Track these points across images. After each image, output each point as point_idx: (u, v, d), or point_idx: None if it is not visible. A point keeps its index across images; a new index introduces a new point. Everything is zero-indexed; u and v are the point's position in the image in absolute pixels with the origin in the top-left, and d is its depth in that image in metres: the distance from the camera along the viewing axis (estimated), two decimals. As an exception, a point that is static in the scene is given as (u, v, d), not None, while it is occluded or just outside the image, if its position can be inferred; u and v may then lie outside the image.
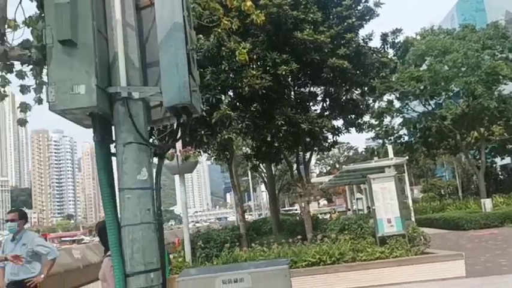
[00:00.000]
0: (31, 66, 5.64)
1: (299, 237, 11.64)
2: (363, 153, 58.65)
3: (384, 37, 15.23)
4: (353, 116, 14.59)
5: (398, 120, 31.18)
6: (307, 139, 13.23)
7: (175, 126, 2.96)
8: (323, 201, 75.09)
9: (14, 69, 6.11)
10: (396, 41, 15.73)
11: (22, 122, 7.38)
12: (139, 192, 2.56)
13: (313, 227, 13.12)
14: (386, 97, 27.28)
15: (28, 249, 6.04)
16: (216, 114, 11.24)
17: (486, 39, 24.85)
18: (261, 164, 20.72)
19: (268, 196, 25.22)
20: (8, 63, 5.76)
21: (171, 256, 11.06)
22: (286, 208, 62.94)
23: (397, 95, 26.72)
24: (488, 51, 24.53)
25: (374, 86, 14.82)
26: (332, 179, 35.14)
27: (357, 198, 36.25)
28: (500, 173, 40.88)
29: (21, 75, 6.17)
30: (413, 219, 21.62)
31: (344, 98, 14.04)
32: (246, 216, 24.81)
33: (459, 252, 10.50)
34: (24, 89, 6.42)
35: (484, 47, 24.44)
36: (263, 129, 12.46)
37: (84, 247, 15.86)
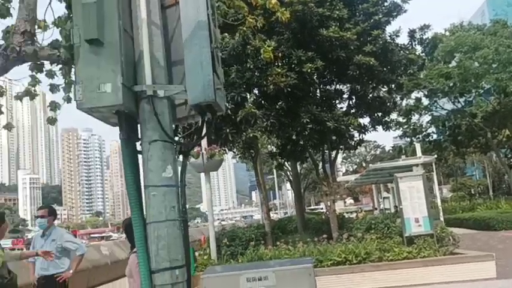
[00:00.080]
0: (60, 66, 5.76)
1: (324, 236, 11.56)
2: (390, 151, 57.84)
3: (411, 33, 14.98)
4: (380, 114, 14.41)
5: (426, 118, 30.64)
6: (333, 137, 13.12)
7: (200, 124, 2.98)
8: (349, 200, 74.44)
9: (44, 69, 6.26)
10: (424, 37, 15.48)
11: (52, 121, 7.56)
12: (164, 190, 2.58)
13: (339, 226, 13.01)
14: (414, 94, 26.81)
15: (57, 245, 6.18)
16: (241, 113, 11.26)
17: (518, 35, 24.17)
18: (286, 163, 20.68)
19: (293, 195, 25.16)
20: (39, 63, 5.90)
21: (196, 253, 11.15)
22: (312, 207, 62.62)
23: (426, 93, 26.22)
24: (521, 46, 23.85)
25: (401, 83, 14.60)
26: (358, 178, 34.78)
27: (383, 197, 35.77)
28: (533, 172, 39.70)
29: (50, 74, 6.32)
30: (442, 219, 21.21)
31: (371, 95, 13.88)
32: (271, 215, 24.82)
33: (489, 253, 10.24)
34: (53, 88, 6.56)
35: (516, 42, 23.78)
36: (288, 128, 12.42)
37: (112, 244, 16.14)
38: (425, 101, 28.46)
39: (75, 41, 2.47)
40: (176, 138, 2.94)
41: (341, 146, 14.55)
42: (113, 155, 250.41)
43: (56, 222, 6.62)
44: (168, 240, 2.55)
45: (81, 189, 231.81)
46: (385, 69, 13.13)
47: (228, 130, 11.97)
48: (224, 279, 3.86)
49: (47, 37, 5.82)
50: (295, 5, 11.34)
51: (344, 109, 13.68)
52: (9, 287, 5.14)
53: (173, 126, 2.83)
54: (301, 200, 21.44)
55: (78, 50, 2.48)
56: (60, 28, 5.23)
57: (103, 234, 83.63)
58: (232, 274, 3.84)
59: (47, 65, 6.15)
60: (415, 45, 15.14)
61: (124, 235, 4.68)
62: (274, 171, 36.50)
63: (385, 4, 13.22)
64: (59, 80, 6.46)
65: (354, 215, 26.80)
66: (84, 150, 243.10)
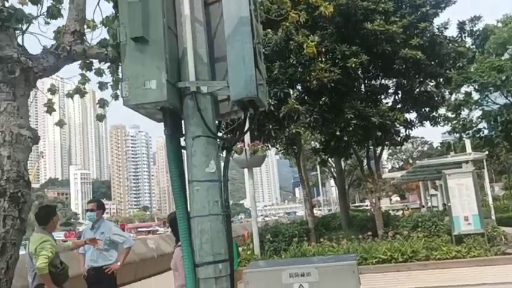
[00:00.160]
0: (108, 64, 5.94)
1: (369, 233, 11.40)
2: (438, 148, 56.15)
3: (461, 25, 14.46)
4: (427, 109, 14.00)
5: (477, 113, 29.42)
6: (378, 133, 12.89)
7: (242, 120, 2.99)
8: (395, 198, 72.88)
9: (93, 67, 6.48)
10: (475, 29, 14.90)
11: (101, 118, 7.81)
12: (207, 185, 2.61)
13: (384, 224, 12.78)
14: (463, 89, 25.81)
15: (106, 238, 6.39)
16: (284, 109, 11.25)
17: None
18: (329, 159, 20.47)
19: (337, 191, 24.88)
20: (88, 61, 6.11)
21: (240, 249, 11.25)
22: (357, 204, 61.78)
23: (476, 87, 25.20)
24: None
25: (450, 77, 14.12)
26: (405, 175, 33.98)
27: (431, 195, 34.81)
28: None
29: (99, 72, 6.52)
30: (493, 217, 20.39)
31: (417, 90, 13.51)
32: (315, 212, 24.67)
33: (545, 254, 9.77)
34: (102, 86, 6.78)
35: None
36: (332, 123, 12.29)
37: (158, 238, 16.54)
38: (475, 96, 27.35)
39: (121, 39, 2.53)
40: (219, 134, 2.96)
41: (386, 142, 14.27)
42: (159, 151, 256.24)
43: (105, 216, 6.84)
44: (212, 234, 2.57)
45: (129, 184, 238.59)
46: (432, 62, 12.74)
47: (270, 126, 11.98)
48: (267, 274, 3.86)
49: (95, 36, 6.02)
50: (338, -1, 11.19)
51: (389, 104, 13.39)
52: (61, 276, 5.37)
53: (216, 122, 2.86)
54: (346, 197, 21.18)
55: (125, 48, 2.54)
56: (107, 27, 5.39)
57: (150, 229, 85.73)
58: (275, 269, 3.84)
59: (96, 64, 6.36)
60: (464, 37, 14.63)
61: (169, 229, 4.78)
62: (318, 167, 36.24)
63: (433, -4, 12.83)
64: (107, 77, 6.67)
65: (400, 212, 26.23)
66: (132, 147, 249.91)
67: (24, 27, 5.02)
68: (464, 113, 28.64)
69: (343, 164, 22.09)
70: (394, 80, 13.56)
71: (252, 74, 2.57)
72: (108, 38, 5.16)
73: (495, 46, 23.69)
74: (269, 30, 11.41)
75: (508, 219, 23.00)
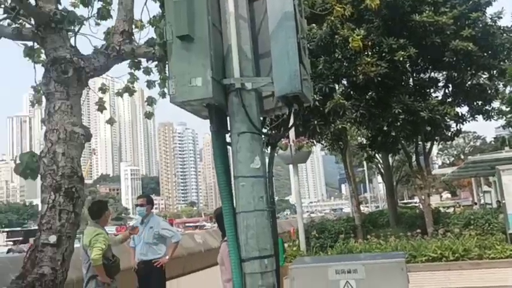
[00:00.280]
0: (155, 63, 6.09)
1: (418, 231, 11.12)
2: (492, 143, 53.81)
3: (516, 14, 13.74)
4: (480, 103, 13.44)
5: (534, 106, 28.00)
6: (427, 128, 12.51)
7: (287, 116, 2.99)
8: (446, 194, 70.58)
9: (141, 66, 6.66)
10: (532, 17, 14.11)
11: (149, 115, 8.02)
12: (252, 180, 2.63)
13: (434, 221, 12.42)
14: (519, 81, 24.63)
15: (154, 232, 6.57)
16: (329, 104, 11.12)
17: None
18: (377, 155, 20.09)
19: (385, 188, 24.39)
20: (136, 60, 6.28)
21: (285, 245, 11.26)
22: (405, 201, 60.28)
23: (533, 78, 23.97)
24: None
25: (504, 69, 13.48)
26: (456, 171, 32.82)
27: (484, 192, 33.49)
28: None
29: (147, 71, 6.70)
30: (552, 215, 19.37)
31: (469, 83, 12.98)
32: (362, 208, 24.26)
33: None
34: (150, 84, 6.97)
35: None
36: (379, 118, 12.04)
37: (205, 233, 16.79)
38: (532, 88, 26.04)
39: (167, 37, 2.59)
40: (264, 130, 2.97)
41: (436, 137, 13.83)
42: (205, 148, 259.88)
43: (154, 211, 7.03)
44: (257, 229, 2.59)
45: (177, 180, 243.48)
46: (485, 54, 12.22)
47: (316, 122, 11.89)
48: (312, 270, 3.85)
49: (143, 36, 6.18)
50: (385, -9, 10.93)
51: (439, 98, 12.95)
52: (113, 268, 5.58)
53: (261, 118, 2.87)
54: (393, 194, 20.72)
55: (171, 46, 2.59)
56: (155, 26, 5.53)
57: (197, 224, 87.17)
58: (321, 266, 3.82)
59: (144, 62, 6.53)
60: (520, 27, 13.87)
61: (216, 225, 4.85)
62: (365, 163, 35.64)
63: (486, -16, 12.29)
64: (155, 76, 6.85)
65: (451, 209, 25.40)
66: (179, 143, 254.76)
67: (76, 28, 5.22)
68: (520, 106, 27.32)
69: (390, 160, 21.59)
70: (444, 72, 13.10)
71: (297, 69, 2.56)
72: (155, 37, 5.29)
73: (554, 35, 22.44)
74: (314, 25, 11.30)
75: None
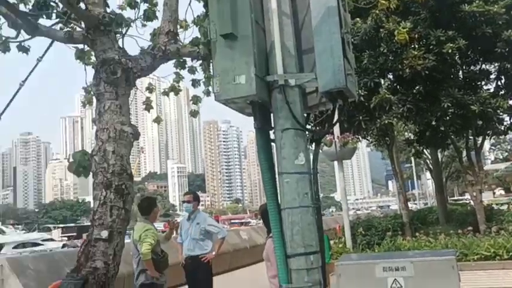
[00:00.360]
0: (200, 62, 6.19)
1: (470, 228, 10.75)
2: (550, 136, 51.13)
3: None
4: (535, 95, 12.80)
5: None
6: (479, 122, 12.04)
7: (331, 112, 2.97)
8: (499, 191, 67.73)
9: (186, 66, 6.78)
10: None
11: (194, 114, 8.16)
12: (297, 177, 2.62)
13: (486, 218, 11.96)
14: None
15: (201, 228, 6.68)
16: (375, 99, 10.91)
17: None
18: (425, 150, 19.53)
19: (434, 184, 23.69)
20: (181, 60, 6.41)
21: (331, 242, 11.17)
22: (455, 197, 58.34)
23: None
24: None
25: None
26: (510, 166, 31.51)
27: (542, 188, 31.91)
28: None
29: (192, 70, 6.82)
30: None
31: (523, 74, 12.39)
32: (410, 205, 23.71)
33: None
34: (195, 83, 7.08)
35: None
36: (427, 113, 11.70)
37: (250, 229, 16.94)
38: None
39: (211, 36, 2.62)
40: (308, 126, 2.96)
41: (488, 132, 13.28)
42: (249, 145, 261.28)
43: (200, 207, 7.15)
44: (302, 226, 2.59)
45: (222, 177, 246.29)
46: (541, 43, 11.61)
47: (361, 117, 11.69)
48: (359, 268, 3.80)
49: (187, 35, 6.29)
50: (432, -19, 10.60)
51: (491, 90, 12.43)
52: (162, 263, 5.73)
53: (305, 114, 2.86)
54: (443, 190, 20.10)
55: (215, 45, 2.62)
56: (199, 26, 5.61)
57: (242, 220, 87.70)
58: (368, 263, 3.77)
59: (189, 62, 6.65)
60: None
61: (261, 222, 4.88)
62: (412, 159, 34.77)
63: (542, -31, 11.66)
64: (200, 75, 6.95)
65: (505, 206, 24.36)
66: (224, 141, 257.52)
67: (124, 30, 5.38)
68: None
69: (439, 155, 20.93)
70: (495, 64, 12.55)
71: (341, 64, 2.54)
72: (199, 36, 5.37)
73: None
74: (358, 19, 11.11)
75: None
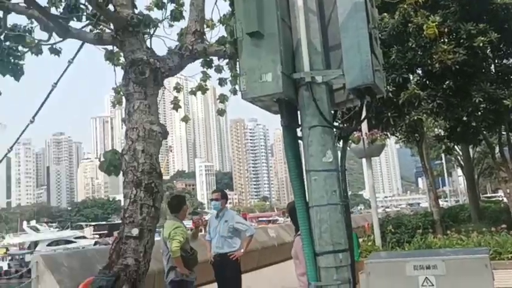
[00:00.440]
0: (227, 61, 6.22)
1: (504, 226, 10.48)
2: None
3: None
4: None
5: None
6: (512, 117, 11.73)
7: (359, 108, 2.94)
8: (535, 188, 65.62)
9: (213, 65, 6.83)
10: None
11: (221, 112, 8.21)
12: (325, 174, 2.61)
13: (521, 216, 11.64)
14: None
15: (229, 226, 6.72)
16: (404, 95, 10.75)
17: None
18: (456, 146, 19.14)
19: (465, 181, 23.17)
20: (208, 59, 6.45)
21: (360, 240, 11.07)
22: (488, 194, 56.92)
23: None
24: None
25: None
26: (545, 162, 30.46)
27: None
28: None
29: (219, 69, 6.86)
30: None
31: (559, 67, 11.99)
32: (441, 203, 23.25)
33: None
34: (221, 82, 7.13)
35: None
36: (457, 108, 11.45)
37: (278, 227, 16.93)
38: None
39: (238, 35, 2.63)
40: (335, 123, 2.94)
41: (522, 127, 12.93)
42: (276, 143, 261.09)
43: (228, 205, 7.19)
44: (331, 223, 2.57)
45: (249, 175, 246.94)
46: None
47: (389, 114, 11.53)
48: (389, 266, 3.75)
49: (214, 35, 6.34)
50: (462, -26, 10.36)
51: (526, 84, 12.08)
52: (191, 260, 5.79)
53: (332, 111, 2.84)
54: (475, 187, 19.66)
55: (241, 43, 2.63)
56: (225, 25, 5.65)
57: (270, 218, 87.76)
58: (398, 261, 3.72)
59: (215, 61, 6.70)
60: None
61: (289, 219, 4.88)
62: (443, 156, 34.07)
63: None
64: (226, 73, 6.99)
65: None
66: (251, 139, 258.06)
67: (151, 31, 5.46)
68: None
69: (471, 151, 20.48)
70: (530, 57, 12.20)
71: (368, 59, 2.51)
72: (226, 35, 5.40)
73: None
74: (385, 14, 10.95)
75: None
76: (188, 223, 6.64)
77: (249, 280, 8.10)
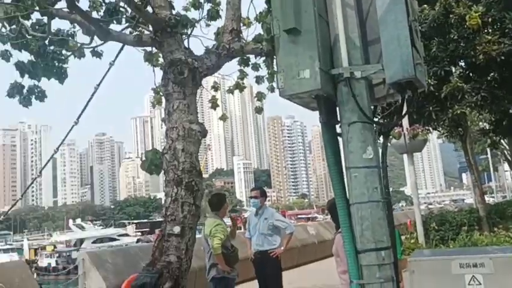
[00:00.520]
0: (263, 58, 6.22)
1: (556, 223, 10.04)
2: None
3: None
4: None
5: None
6: None
7: (399, 103, 2.88)
8: None
9: (249, 63, 6.85)
10: None
11: (259, 110, 8.23)
12: (365, 171, 2.57)
13: None
14: None
15: (269, 223, 6.73)
16: (446, 88, 10.45)
17: None
18: (502, 140, 18.48)
19: (513, 176, 22.32)
20: (245, 57, 6.48)
21: (402, 237, 10.87)
22: (539, 190, 54.61)
23: None
24: None
25: None
26: None
27: None
28: None
29: (255, 67, 6.88)
30: None
31: None
32: (487, 199, 22.51)
33: None
34: (259, 80, 7.14)
35: None
36: (503, 101, 11.04)
37: (318, 224, 16.84)
38: None
39: (275, 32, 2.62)
40: (375, 119, 2.89)
41: None
42: (314, 140, 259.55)
43: (266, 203, 7.20)
44: (372, 221, 2.54)
45: (287, 172, 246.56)
46: None
47: (431, 108, 11.24)
48: (434, 264, 3.66)
49: (250, 33, 6.34)
50: (506, -40, 9.95)
51: None
52: (232, 258, 5.84)
53: (372, 106, 2.80)
54: (523, 182, 18.91)
55: (278, 40, 2.62)
56: (261, 22, 5.65)
57: (309, 216, 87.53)
58: (443, 259, 3.62)
59: (252, 59, 6.71)
60: None
61: (328, 217, 4.84)
62: (488, 150, 32.93)
63: None
64: (263, 71, 7.00)
65: None
66: (288, 136, 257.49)
67: (189, 31, 5.53)
68: None
69: (518, 145, 19.72)
70: None
71: (409, 53, 2.45)
72: (262, 33, 5.40)
73: None
74: (425, 5, 10.67)
75: None
76: (227, 220, 6.70)
77: (289, 277, 8.10)
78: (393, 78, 2.51)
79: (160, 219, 5.87)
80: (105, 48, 6.05)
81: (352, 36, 2.70)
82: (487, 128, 14.99)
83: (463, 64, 11.81)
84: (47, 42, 5.65)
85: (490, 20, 10.26)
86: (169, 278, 4.47)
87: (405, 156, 11.57)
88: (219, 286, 5.85)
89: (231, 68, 6.84)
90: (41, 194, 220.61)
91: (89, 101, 5.90)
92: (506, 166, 40.21)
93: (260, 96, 7.63)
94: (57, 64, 5.82)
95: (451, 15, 10.35)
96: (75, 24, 5.59)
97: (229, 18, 5.46)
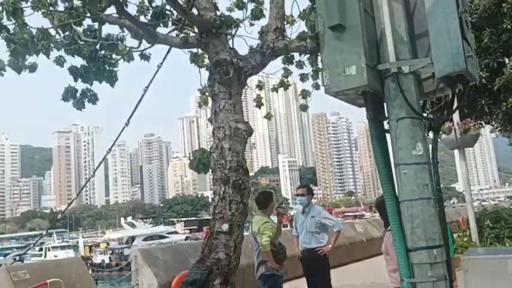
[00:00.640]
0: (308, 56, 6.20)
1: None
2: None
3: None
4: None
5: None
6: None
7: (450, 97, 2.80)
8: None
9: (294, 61, 6.84)
10: None
11: (304, 108, 8.20)
12: (415, 168, 2.53)
13: None
14: None
15: (316, 221, 6.70)
16: (499, 80, 10.03)
17: None
18: (562, 133, 17.52)
19: None
20: (289, 55, 6.48)
21: (454, 235, 10.54)
22: None
23: None
24: None
25: None
26: None
27: None
28: None
29: (300, 65, 6.85)
30: None
31: None
32: (545, 195, 21.37)
33: None
34: (303, 77, 7.11)
35: None
36: None
37: (366, 222, 16.58)
38: None
39: (319, 29, 2.62)
40: (424, 114, 2.83)
41: None
42: (360, 136, 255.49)
43: (313, 201, 7.18)
44: (423, 218, 2.49)
45: (333, 170, 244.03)
46: None
47: (483, 101, 10.83)
48: (489, 262, 3.54)
49: (294, 30, 6.33)
50: None
51: None
52: (280, 255, 5.87)
53: (420, 101, 2.74)
54: None
55: (323, 37, 2.61)
56: (305, 20, 5.62)
57: (356, 213, 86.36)
58: (499, 257, 3.49)
59: (296, 56, 6.70)
60: None
61: (376, 214, 4.77)
62: (548, 144, 31.33)
63: None
64: (307, 69, 6.96)
65: None
66: (333, 133, 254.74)
67: (233, 31, 5.59)
68: None
69: None
70: None
71: (459, 45, 2.38)
72: (306, 30, 5.38)
73: None
74: (475, -5, 10.29)
75: None
76: (274, 218, 6.73)
77: (337, 275, 8.04)
78: (443, 72, 2.44)
79: (208, 217, 5.99)
80: (152, 51, 6.22)
81: (399, 30, 2.65)
82: (545, 120, 14.25)
83: (517, 54, 11.30)
84: (98, 47, 5.86)
85: (546, 7, 9.76)
86: (218, 275, 4.55)
87: (456, 151, 11.19)
88: (268, 283, 5.89)
89: (275, 67, 6.86)
90: (94, 193, 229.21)
91: (138, 102, 6.09)
92: None
93: (305, 94, 7.59)
94: (107, 68, 6.03)
95: (503, 4, 9.92)
96: (124, 29, 5.78)
97: (272, 17, 5.49)
